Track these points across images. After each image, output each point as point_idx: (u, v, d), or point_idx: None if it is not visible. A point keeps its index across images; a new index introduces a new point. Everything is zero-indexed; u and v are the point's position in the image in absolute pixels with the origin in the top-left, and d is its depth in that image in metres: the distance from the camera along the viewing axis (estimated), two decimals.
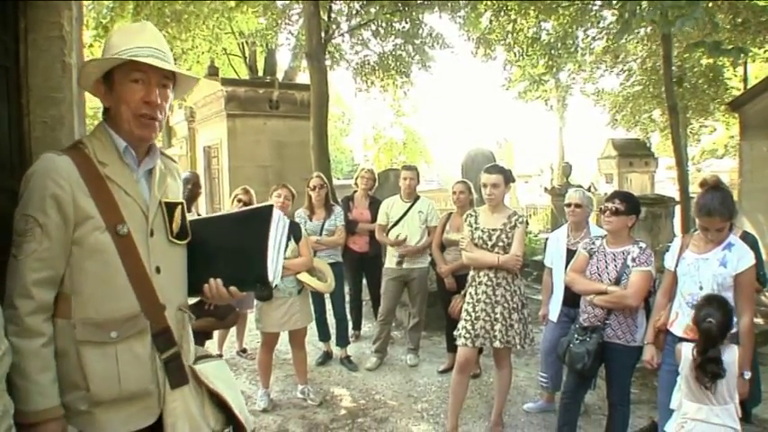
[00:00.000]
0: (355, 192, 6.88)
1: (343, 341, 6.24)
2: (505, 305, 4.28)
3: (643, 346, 3.75)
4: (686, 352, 3.13)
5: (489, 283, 4.33)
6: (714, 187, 3.34)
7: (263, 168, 12.72)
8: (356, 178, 6.95)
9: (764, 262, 4.89)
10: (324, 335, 6.30)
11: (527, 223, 4.52)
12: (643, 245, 3.89)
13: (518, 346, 4.35)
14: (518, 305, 4.32)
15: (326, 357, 6.28)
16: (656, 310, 3.71)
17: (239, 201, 5.83)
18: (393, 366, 6.14)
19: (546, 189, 14.37)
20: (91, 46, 11.69)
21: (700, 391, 3.07)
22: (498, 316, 4.27)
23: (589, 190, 9.20)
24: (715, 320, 3.04)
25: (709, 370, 3.00)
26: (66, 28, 3.09)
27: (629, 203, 3.91)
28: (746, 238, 4.41)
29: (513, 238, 4.31)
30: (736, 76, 19.96)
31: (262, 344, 5.15)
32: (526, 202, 24.48)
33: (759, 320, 7.68)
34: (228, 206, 6.30)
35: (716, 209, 3.25)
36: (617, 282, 3.83)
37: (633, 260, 3.80)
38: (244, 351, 6.45)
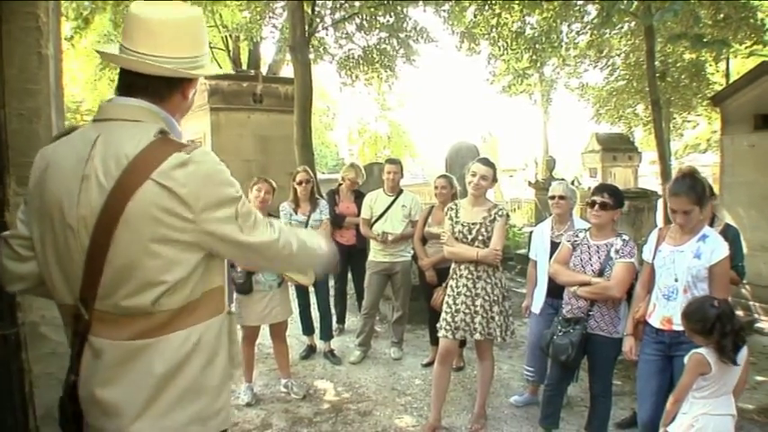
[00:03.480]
0: (340, 185, 6.87)
1: (327, 335, 6.22)
2: (486, 298, 4.30)
3: (620, 338, 3.78)
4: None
5: (470, 276, 4.35)
6: (687, 174, 3.39)
7: (246, 162, 12.62)
8: (343, 173, 6.96)
9: (745, 255, 4.94)
10: (308, 329, 6.28)
11: (508, 216, 4.53)
12: (626, 237, 3.93)
13: (499, 339, 4.37)
14: (499, 298, 4.34)
15: (310, 351, 6.27)
16: (635, 302, 3.74)
17: None
18: (377, 360, 6.14)
19: (530, 183, 14.40)
20: (71, 38, 11.55)
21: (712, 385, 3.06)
22: (479, 308, 4.29)
23: (573, 184, 9.24)
24: (717, 302, 3.04)
25: (734, 342, 2.98)
26: (42, 19, 3.05)
27: (616, 197, 3.95)
28: (728, 230, 4.45)
29: (493, 231, 4.33)
30: (718, 71, 20.12)
31: (243, 338, 5.13)
32: (510, 196, 24.53)
33: (739, 313, 7.78)
34: None
35: (682, 190, 3.31)
36: (600, 273, 3.86)
37: (617, 252, 3.83)
38: None
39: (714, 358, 3.00)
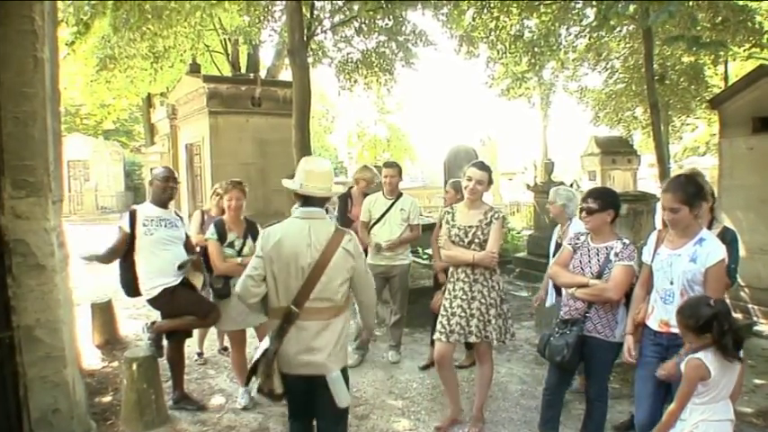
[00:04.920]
0: (352, 188, 6.83)
1: None
2: (482, 301, 4.30)
3: (623, 342, 3.76)
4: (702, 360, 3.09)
5: (467, 279, 4.35)
6: (684, 174, 3.48)
7: (245, 166, 12.64)
8: (357, 174, 6.89)
9: (741, 258, 4.93)
10: None
11: (504, 219, 4.52)
12: (626, 241, 3.90)
13: (495, 342, 4.37)
14: (496, 301, 4.35)
15: None
16: (635, 303, 3.73)
17: (217, 195, 5.78)
18: (374, 363, 6.12)
19: (528, 186, 14.38)
20: (72, 43, 11.54)
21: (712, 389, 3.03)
22: (475, 311, 4.29)
23: (572, 186, 9.23)
24: (713, 302, 3.03)
25: (734, 339, 2.96)
26: (38, 22, 3.04)
27: (603, 200, 3.92)
28: (726, 233, 4.44)
29: (489, 234, 4.33)
30: (717, 74, 20.16)
31: (231, 343, 5.09)
32: (509, 199, 24.55)
33: (738, 315, 7.77)
34: (209, 202, 6.21)
35: (671, 187, 3.35)
36: (599, 276, 3.84)
37: (616, 255, 3.81)
38: (225, 349, 6.40)
39: (711, 360, 2.99)
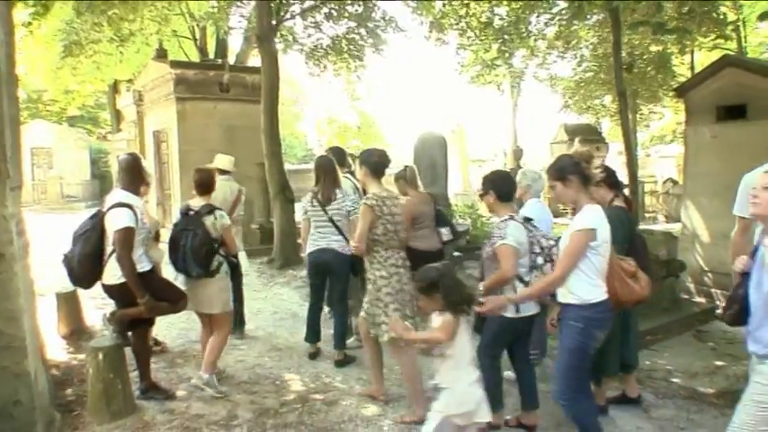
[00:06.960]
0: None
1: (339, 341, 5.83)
2: (371, 294, 4.42)
3: (514, 318, 3.93)
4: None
5: None
6: (562, 154, 3.86)
7: (213, 152, 12.36)
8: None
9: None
10: (314, 335, 5.97)
11: (368, 205, 4.35)
12: (505, 217, 4.02)
13: (384, 337, 4.38)
14: (372, 296, 4.42)
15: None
16: None
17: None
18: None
19: None
20: (30, 24, 11.22)
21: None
22: (365, 304, 4.51)
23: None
24: (441, 266, 3.46)
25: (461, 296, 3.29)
26: None
27: (483, 185, 4.20)
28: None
29: None
30: (683, 63, 20.43)
31: (220, 326, 4.99)
32: (479, 186, 24.63)
33: (701, 300, 7.94)
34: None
35: (547, 169, 3.76)
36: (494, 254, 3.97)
37: (495, 234, 4.00)
38: (157, 344, 6.05)
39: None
